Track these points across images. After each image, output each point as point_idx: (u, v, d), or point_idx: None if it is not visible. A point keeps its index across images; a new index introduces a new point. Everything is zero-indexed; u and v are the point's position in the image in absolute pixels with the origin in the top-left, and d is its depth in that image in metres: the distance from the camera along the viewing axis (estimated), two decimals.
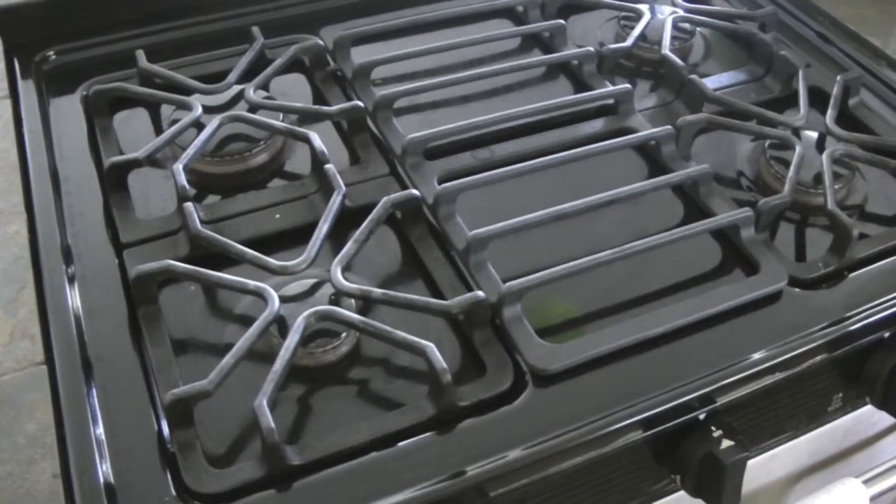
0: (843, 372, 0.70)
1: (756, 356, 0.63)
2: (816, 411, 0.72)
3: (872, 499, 0.76)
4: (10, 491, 0.53)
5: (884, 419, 0.80)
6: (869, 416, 0.78)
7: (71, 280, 0.66)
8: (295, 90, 0.86)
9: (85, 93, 0.81)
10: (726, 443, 0.62)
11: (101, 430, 0.57)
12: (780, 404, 0.69)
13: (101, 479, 0.54)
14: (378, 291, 0.62)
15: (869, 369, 0.70)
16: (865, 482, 0.76)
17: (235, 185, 0.75)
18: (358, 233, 0.66)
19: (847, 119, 0.84)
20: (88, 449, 0.55)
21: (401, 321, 0.63)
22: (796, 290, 0.68)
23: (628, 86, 0.81)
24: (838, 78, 0.84)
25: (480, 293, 0.62)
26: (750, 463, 0.71)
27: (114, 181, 0.72)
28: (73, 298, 0.64)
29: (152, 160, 0.74)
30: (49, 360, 0.59)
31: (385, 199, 0.68)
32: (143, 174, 0.75)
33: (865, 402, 0.74)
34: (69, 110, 0.81)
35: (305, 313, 0.60)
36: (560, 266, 0.65)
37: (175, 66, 0.83)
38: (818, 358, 0.66)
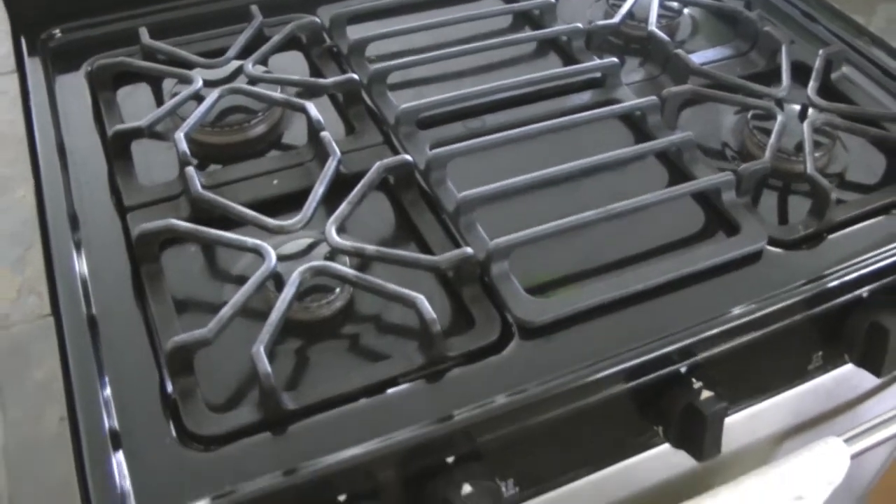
0: (823, 330, 0.73)
1: (736, 311, 0.66)
2: (797, 369, 0.74)
3: (853, 457, 0.78)
4: (20, 434, 0.55)
5: (865, 381, 0.83)
6: (851, 378, 0.80)
7: (77, 242, 0.68)
8: (293, 67, 0.89)
9: (89, 68, 0.84)
10: (706, 394, 0.64)
11: (105, 378, 0.59)
12: (761, 361, 0.71)
13: (106, 423, 0.57)
14: (371, 248, 0.65)
15: (847, 328, 0.72)
16: (847, 440, 0.78)
17: (235, 155, 0.78)
18: (352, 195, 0.69)
19: (830, 92, 0.86)
20: (94, 393, 0.58)
21: (394, 281, 0.66)
22: (776, 250, 0.71)
23: (615, 59, 0.84)
24: (820, 52, 0.86)
25: (469, 249, 0.65)
26: (734, 421, 0.73)
27: (117, 149, 0.75)
28: (79, 258, 0.67)
29: (154, 131, 0.76)
30: (55, 311, 0.62)
31: (378, 163, 0.71)
32: (145, 145, 0.77)
33: (845, 360, 0.76)
34: (74, 85, 0.84)
35: (301, 268, 0.63)
36: (546, 225, 0.67)
37: (177, 44, 0.86)
38: (797, 316, 0.68)
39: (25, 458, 0.54)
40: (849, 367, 0.77)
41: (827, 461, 0.76)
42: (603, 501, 0.73)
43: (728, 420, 0.72)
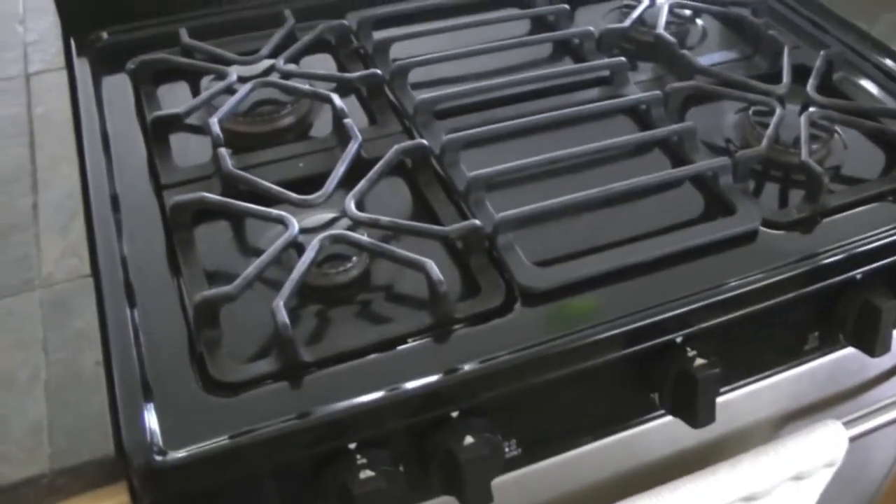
0: (817, 310, 0.76)
1: (731, 283, 0.69)
2: (793, 348, 0.77)
3: (852, 440, 0.81)
4: (60, 374, 0.60)
5: (865, 367, 0.86)
6: (851, 363, 0.83)
7: (117, 219, 0.74)
8: (322, 67, 0.94)
9: (132, 66, 0.90)
10: (699, 361, 0.68)
11: (139, 332, 0.64)
12: (757, 337, 0.74)
13: (137, 368, 0.62)
14: (386, 219, 0.70)
15: (840, 307, 0.75)
16: (845, 423, 0.81)
17: (264, 143, 0.83)
18: (370, 173, 0.74)
19: (830, 92, 0.90)
20: (128, 342, 0.63)
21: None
22: (771, 231, 0.74)
23: (622, 58, 0.89)
24: (821, 53, 0.90)
25: (477, 221, 0.70)
26: (733, 402, 0.77)
27: (156, 134, 0.81)
28: (119, 231, 0.72)
29: (189, 123, 0.83)
30: (95, 273, 0.68)
31: (396, 146, 0.76)
32: (181, 137, 0.83)
33: (841, 343, 0.79)
34: (118, 81, 0.90)
35: (320, 236, 0.68)
36: (550, 201, 0.72)
37: (214, 45, 0.92)
38: (791, 293, 0.72)
39: (64, 392, 0.59)
40: (849, 353, 0.80)
41: (826, 443, 0.79)
42: (604, 473, 0.77)
43: (728, 399, 0.76)
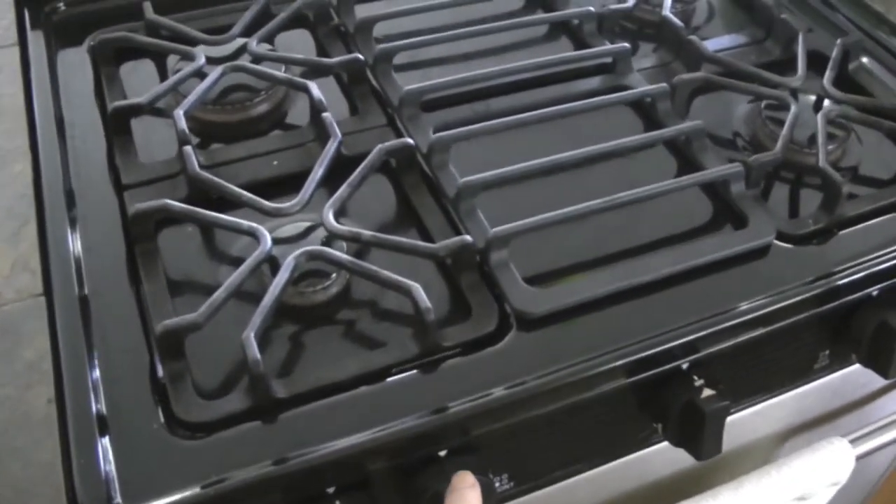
0: (831, 329, 0.71)
1: (741, 307, 0.64)
2: (803, 368, 0.73)
3: (859, 458, 0.77)
4: (8, 413, 0.55)
5: (873, 381, 0.81)
6: (858, 377, 0.79)
7: (72, 219, 0.67)
8: (299, 46, 0.87)
9: (92, 43, 0.83)
10: (707, 392, 0.63)
11: (95, 360, 0.58)
12: (766, 359, 0.70)
13: (94, 405, 0.56)
14: (368, 233, 0.64)
15: (855, 327, 0.70)
16: (852, 441, 0.77)
17: (236, 134, 0.76)
18: (351, 177, 0.67)
19: (847, 83, 0.84)
20: (83, 376, 0.57)
21: (392, 266, 0.64)
22: (785, 244, 0.69)
23: (626, 45, 0.82)
24: (838, 41, 0.84)
25: (468, 237, 0.64)
26: (736, 419, 0.72)
27: (117, 126, 0.74)
28: (74, 235, 0.66)
29: (155, 107, 0.75)
30: (48, 291, 0.61)
31: (379, 146, 0.70)
32: (146, 121, 0.76)
33: (852, 360, 0.74)
34: (76, 60, 0.82)
35: (296, 252, 0.62)
36: (548, 213, 0.66)
37: (182, 20, 0.84)
38: (804, 313, 0.67)
39: (11, 436, 0.53)
40: (856, 366, 0.76)
41: (832, 462, 0.75)
42: (599, 499, 0.72)
43: (731, 419, 0.71)
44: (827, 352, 0.73)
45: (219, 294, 0.59)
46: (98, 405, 0.56)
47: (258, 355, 0.55)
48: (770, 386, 0.72)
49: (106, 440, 0.54)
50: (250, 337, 0.56)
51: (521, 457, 0.64)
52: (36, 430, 0.54)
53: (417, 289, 0.60)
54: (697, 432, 0.63)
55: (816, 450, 0.76)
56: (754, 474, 0.73)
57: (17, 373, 0.57)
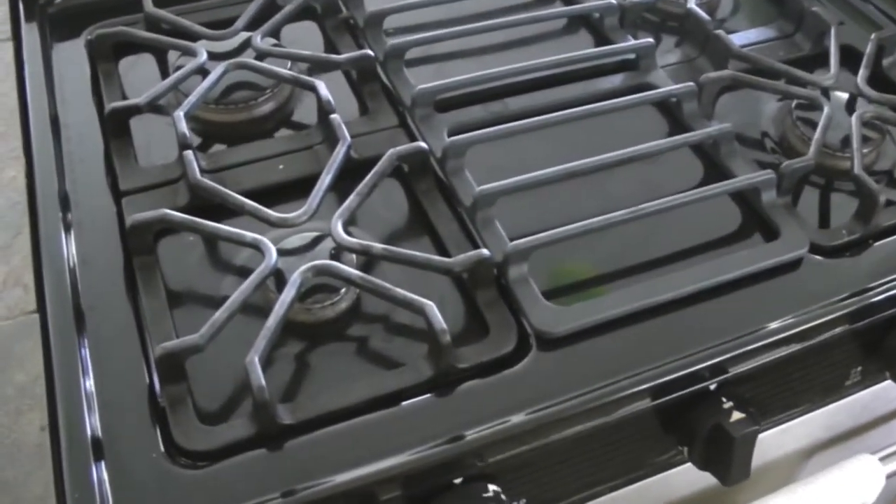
0: (863, 345, 0.68)
1: (772, 326, 0.61)
2: (833, 385, 0.69)
3: (889, 476, 0.74)
4: None
5: None
6: (888, 392, 0.75)
7: (67, 227, 0.64)
8: (306, 39, 0.83)
9: (89, 37, 0.79)
10: (737, 415, 0.60)
11: (91, 382, 0.55)
12: (796, 376, 0.66)
13: (89, 433, 0.53)
14: (379, 247, 0.60)
15: (889, 343, 0.67)
16: (882, 459, 0.74)
17: (240, 135, 0.73)
18: (361, 185, 0.64)
19: (880, 80, 0.80)
20: (77, 401, 0.54)
21: (404, 278, 0.61)
22: (817, 257, 0.65)
23: (650, 40, 0.78)
24: (872, 36, 0.80)
25: (485, 251, 0.60)
26: (762, 436, 0.69)
27: (115, 127, 0.70)
28: (69, 246, 0.63)
29: (155, 106, 0.71)
30: (41, 308, 0.58)
31: (391, 151, 0.66)
32: (145, 121, 0.73)
33: (885, 377, 0.71)
34: (72, 55, 0.79)
35: (303, 268, 0.58)
36: (570, 225, 0.62)
37: (183, 12, 0.81)
38: (837, 329, 0.63)
39: (1, 468, 0.50)
40: (888, 381, 0.72)
41: (860, 480, 0.72)
42: None
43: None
44: (859, 368, 0.69)
45: (221, 314, 0.55)
46: (94, 432, 0.53)
47: (263, 381, 0.52)
48: (799, 403, 0.69)
49: (103, 471, 0.51)
50: (255, 361, 0.53)
51: (539, 481, 0.60)
52: (27, 461, 0.51)
53: (432, 308, 0.56)
54: (726, 457, 0.60)
55: (844, 467, 0.72)
56: (781, 492, 0.70)
57: (8, 397, 0.53)
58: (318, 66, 0.76)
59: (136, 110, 0.70)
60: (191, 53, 0.75)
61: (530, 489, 0.60)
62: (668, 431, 0.62)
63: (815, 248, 0.65)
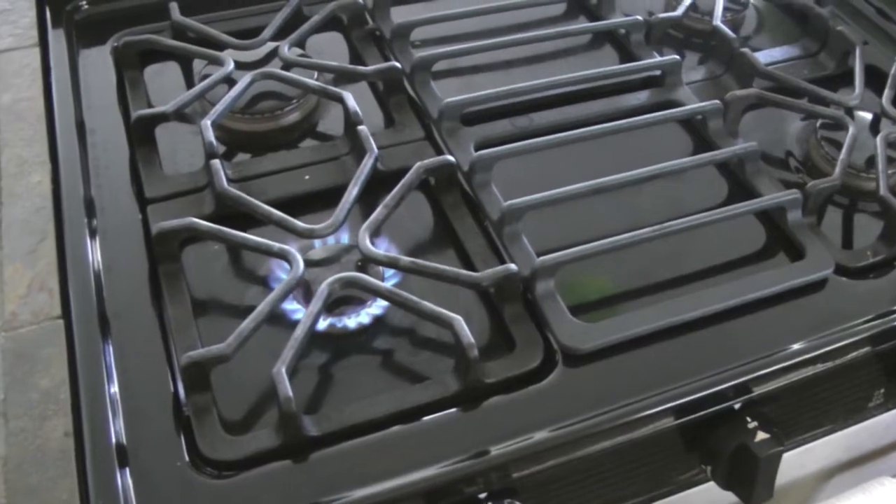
0: (887, 367, 0.67)
1: (797, 346, 0.60)
2: (857, 406, 0.69)
3: None
4: (21, 447, 0.51)
5: None
6: None
7: (92, 234, 0.64)
8: (332, 49, 0.83)
9: (115, 44, 0.79)
10: (761, 435, 0.59)
11: (115, 389, 0.55)
12: (819, 397, 0.66)
13: (114, 440, 0.52)
14: (406, 259, 0.60)
15: None
16: None
17: (266, 144, 0.73)
18: (388, 198, 0.64)
19: None
20: (102, 407, 0.54)
21: (429, 291, 0.61)
22: (842, 278, 0.65)
23: (676, 57, 0.78)
24: None
25: (513, 266, 0.60)
26: (783, 456, 0.68)
27: (140, 134, 0.70)
28: (94, 252, 0.63)
29: (181, 115, 0.72)
30: (66, 314, 0.58)
31: (418, 164, 0.66)
32: (171, 129, 0.73)
33: None
34: (99, 61, 0.79)
35: (330, 279, 0.58)
36: (596, 242, 0.62)
37: (209, 21, 0.81)
38: (862, 351, 0.63)
39: (25, 473, 0.50)
40: None
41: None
42: None
43: None
44: (882, 390, 0.69)
45: (247, 323, 0.55)
46: (118, 438, 0.53)
47: (290, 392, 0.52)
48: (822, 424, 0.68)
49: (128, 478, 0.51)
50: (282, 372, 0.53)
51: (563, 497, 0.60)
52: (52, 466, 0.51)
53: (460, 322, 0.56)
54: (749, 477, 0.60)
55: (866, 490, 0.72)
56: None
57: (32, 403, 0.53)
58: (345, 77, 0.77)
59: (162, 118, 0.70)
60: (217, 62, 0.75)
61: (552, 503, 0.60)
62: (692, 450, 0.62)
63: (839, 269, 0.65)
